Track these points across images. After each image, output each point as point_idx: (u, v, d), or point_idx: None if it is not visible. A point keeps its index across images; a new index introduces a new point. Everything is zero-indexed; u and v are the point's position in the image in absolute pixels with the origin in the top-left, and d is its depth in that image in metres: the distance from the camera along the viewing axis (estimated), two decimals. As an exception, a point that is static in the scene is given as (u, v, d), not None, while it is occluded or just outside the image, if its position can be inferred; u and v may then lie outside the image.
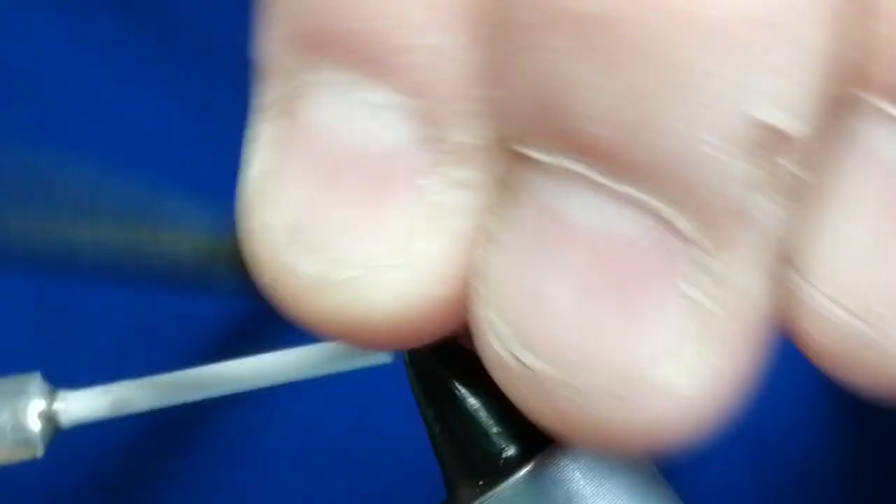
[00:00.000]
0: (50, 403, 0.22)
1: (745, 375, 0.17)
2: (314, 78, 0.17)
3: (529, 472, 0.19)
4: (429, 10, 0.17)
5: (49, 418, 0.22)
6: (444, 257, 0.17)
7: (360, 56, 0.17)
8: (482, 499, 0.19)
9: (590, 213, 0.16)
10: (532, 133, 0.17)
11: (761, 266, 0.17)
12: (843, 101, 0.16)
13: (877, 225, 0.17)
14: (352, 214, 0.17)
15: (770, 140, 0.16)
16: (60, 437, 0.22)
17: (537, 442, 0.19)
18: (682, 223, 0.16)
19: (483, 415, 0.20)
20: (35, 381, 0.22)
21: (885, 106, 0.16)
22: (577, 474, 0.19)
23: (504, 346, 0.17)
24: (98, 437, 0.37)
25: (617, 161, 0.16)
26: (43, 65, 0.36)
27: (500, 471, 0.19)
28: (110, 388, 0.22)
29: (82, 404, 0.22)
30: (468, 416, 0.20)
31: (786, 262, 0.17)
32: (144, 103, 0.36)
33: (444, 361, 0.20)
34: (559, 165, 0.16)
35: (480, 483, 0.19)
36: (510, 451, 0.19)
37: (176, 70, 0.36)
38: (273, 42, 0.18)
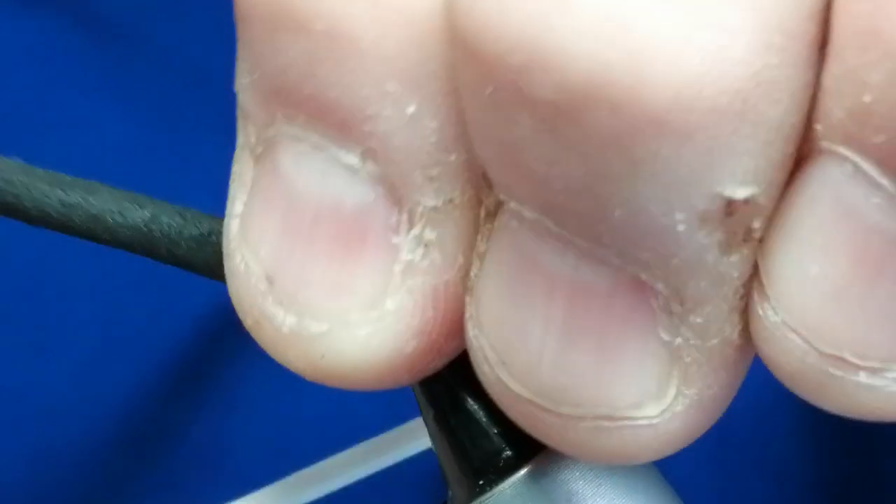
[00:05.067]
0: None
1: (724, 401, 0.18)
2: (289, 131, 0.18)
3: (529, 472, 0.19)
4: (399, 82, 0.17)
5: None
6: (414, 315, 0.18)
7: (332, 120, 0.17)
8: (482, 498, 0.19)
9: (566, 265, 0.17)
10: (507, 191, 0.17)
11: (735, 307, 0.17)
12: (804, 152, 0.17)
13: (837, 266, 0.17)
14: (326, 268, 0.18)
15: (739, 211, 0.16)
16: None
17: (537, 442, 0.19)
18: (658, 285, 0.17)
19: (483, 415, 0.20)
20: None
21: (843, 151, 0.17)
22: (577, 474, 0.19)
23: (492, 370, 0.18)
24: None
25: (589, 229, 0.16)
26: (6, 77, 0.36)
27: (500, 470, 0.19)
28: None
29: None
30: (468, 416, 0.20)
31: (756, 292, 0.17)
32: (108, 116, 0.36)
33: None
34: (534, 220, 0.17)
35: (480, 483, 0.19)
36: (510, 451, 0.19)
37: (140, 83, 0.36)
38: (249, 90, 0.18)
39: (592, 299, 0.17)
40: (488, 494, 0.19)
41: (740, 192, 0.16)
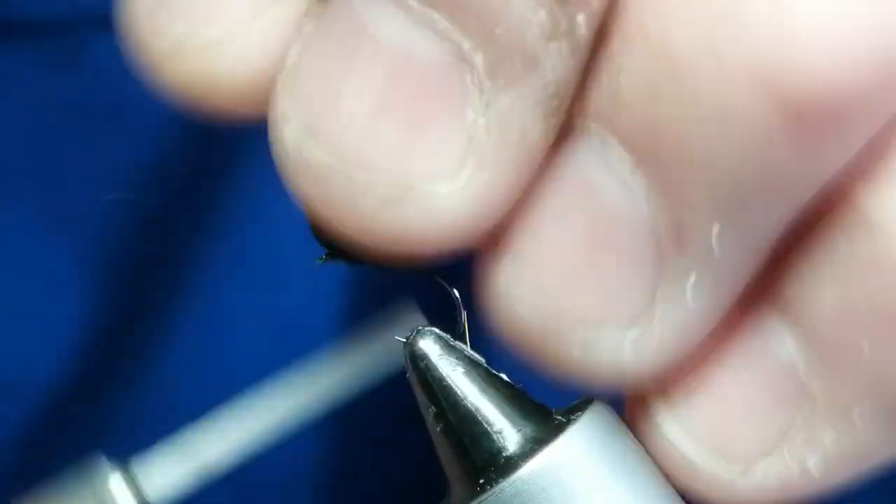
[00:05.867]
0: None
1: (509, 198, 0.19)
2: None
3: (529, 472, 0.19)
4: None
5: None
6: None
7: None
8: (482, 498, 0.19)
9: (394, 28, 0.18)
10: None
11: (541, 109, 0.18)
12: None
13: (571, 234, 0.19)
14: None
15: None
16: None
17: (537, 441, 0.20)
18: (479, 58, 0.18)
19: (483, 414, 0.20)
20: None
21: (594, 126, 0.18)
22: (576, 474, 0.19)
23: (296, 136, 0.18)
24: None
25: None
26: None
27: (500, 470, 0.19)
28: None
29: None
30: (468, 416, 0.20)
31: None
32: None
33: (445, 361, 0.20)
34: None
35: (480, 482, 0.20)
36: (510, 451, 0.20)
37: None
38: None
39: (412, 69, 0.18)
40: (488, 494, 0.19)
41: None
